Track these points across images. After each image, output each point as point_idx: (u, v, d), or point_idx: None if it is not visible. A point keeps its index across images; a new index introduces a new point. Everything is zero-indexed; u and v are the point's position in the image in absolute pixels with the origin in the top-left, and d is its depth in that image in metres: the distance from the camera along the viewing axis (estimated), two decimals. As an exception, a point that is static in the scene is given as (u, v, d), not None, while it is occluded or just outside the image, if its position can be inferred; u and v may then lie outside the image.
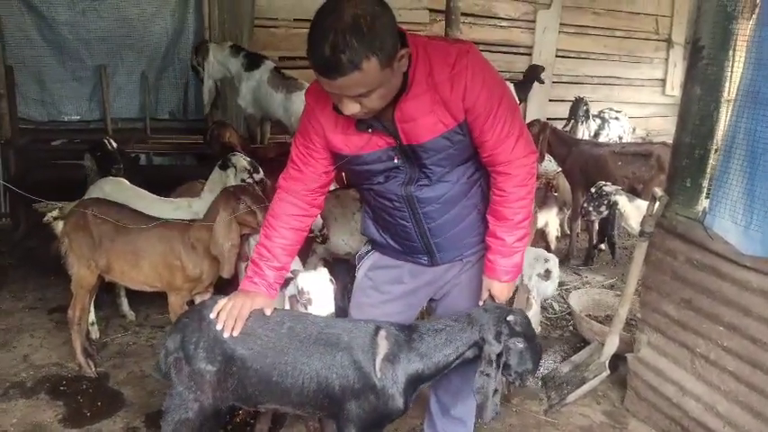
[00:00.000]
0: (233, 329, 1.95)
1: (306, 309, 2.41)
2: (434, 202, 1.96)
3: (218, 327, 1.96)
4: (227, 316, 1.97)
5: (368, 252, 2.25)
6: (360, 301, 2.25)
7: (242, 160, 3.68)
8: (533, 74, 6.80)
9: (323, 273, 2.52)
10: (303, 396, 1.96)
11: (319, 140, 1.93)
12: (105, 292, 3.74)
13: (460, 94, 1.76)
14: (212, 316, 1.99)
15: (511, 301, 2.94)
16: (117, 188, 3.68)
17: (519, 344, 1.89)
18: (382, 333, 1.96)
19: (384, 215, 2.06)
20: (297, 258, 3.03)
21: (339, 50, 1.52)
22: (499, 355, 1.88)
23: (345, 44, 1.51)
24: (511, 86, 6.33)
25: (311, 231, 2.98)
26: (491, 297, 2.06)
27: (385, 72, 1.60)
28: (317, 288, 2.44)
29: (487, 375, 1.87)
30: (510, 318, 1.90)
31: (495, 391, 1.89)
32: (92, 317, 3.57)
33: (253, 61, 5.31)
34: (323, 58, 1.55)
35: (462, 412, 2.38)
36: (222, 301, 2.02)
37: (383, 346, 1.93)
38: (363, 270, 2.25)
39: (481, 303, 2.07)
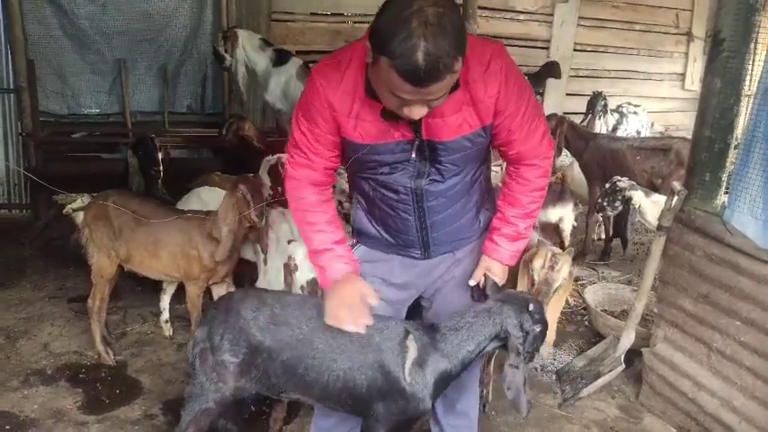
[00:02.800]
0: (362, 319, 1.85)
1: (292, 275, 2.59)
2: (442, 196, 1.93)
3: (349, 328, 1.84)
4: (349, 313, 1.85)
5: (353, 246, 2.14)
6: None
7: None
8: (550, 70, 6.78)
9: None
10: (327, 391, 1.94)
11: (325, 124, 1.81)
12: (135, 281, 3.79)
13: (493, 95, 1.74)
14: (329, 322, 1.87)
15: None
16: (215, 196, 3.65)
17: (537, 329, 1.89)
18: (411, 336, 1.92)
19: (383, 206, 1.98)
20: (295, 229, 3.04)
21: (435, 57, 1.42)
22: (522, 345, 1.88)
23: (439, 49, 1.42)
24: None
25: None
26: (485, 277, 2.04)
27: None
28: (304, 256, 2.63)
29: (516, 367, 1.87)
30: (531, 307, 1.90)
31: (525, 381, 1.88)
32: (166, 315, 3.63)
33: (281, 57, 5.33)
34: (417, 68, 1.43)
35: (466, 406, 2.38)
36: (329, 310, 1.89)
37: (413, 350, 1.90)
38: None
39: (473, 283, 2.06)
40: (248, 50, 5.31)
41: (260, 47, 5.34)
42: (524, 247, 2.09)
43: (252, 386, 2.02)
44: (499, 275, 2.04)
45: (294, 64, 5.33)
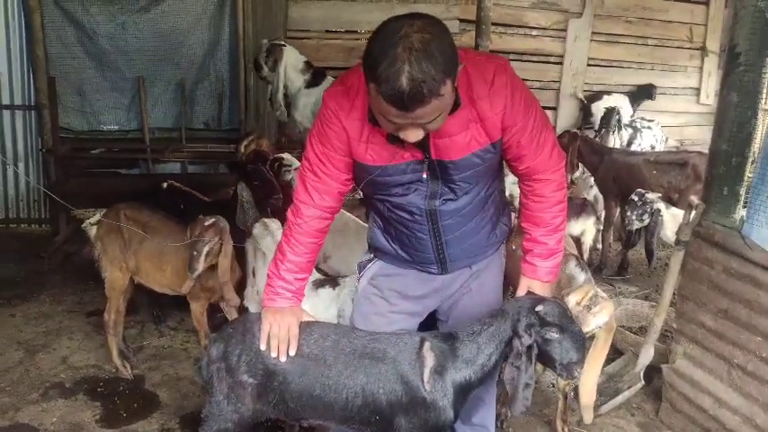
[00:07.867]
0: (288, 351, 1.93)
1: None
2: (456, 215, 1.94)
3: (273, 354, 1.93)
4: (279, 341, 1.93)
5: (370, 260, 2.17)
6: (364, 310, 2.17)
7: None
8: (647, 92, 7.24)
9: None
10: (348, 411, 1.93)
11: (340, 146, 1.84)
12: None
13: (500, 112, 1.76)
14: (263, 347, 1.95)
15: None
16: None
17: (554, 334, 1.83)
18: (427, 345, 1.92)
19: (399, 227, 1.99)
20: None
21: (419, 82, 1.45)
22: (530, 348, 1.84)
23: (423, 73, 1.44)
24: (626, 98, 7.04)
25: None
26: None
27: (454, 91, 1.58)
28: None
29: (517, 368, 1.85)
30: (539, 308, 1.86)
31: (527, 385, 1.85)
32: None
33: (316, 78, 5.21)
34: (401, 92, 1.46)
35: (483, 418, 2.35)
36: (266, 328, 1.96)
37: (430, 359, 1.90)
38: (366, 279, 2.16)
39: None
40: (288, 69, 5.17)
41: (302, 69, 5.20)
42: (560, 260, 2.10)
43: (270, 410, 2.00)
44: (540, 293, 2.06)
45: (326, 85, 5.30)
